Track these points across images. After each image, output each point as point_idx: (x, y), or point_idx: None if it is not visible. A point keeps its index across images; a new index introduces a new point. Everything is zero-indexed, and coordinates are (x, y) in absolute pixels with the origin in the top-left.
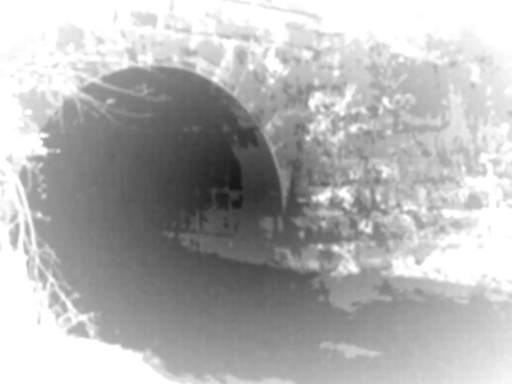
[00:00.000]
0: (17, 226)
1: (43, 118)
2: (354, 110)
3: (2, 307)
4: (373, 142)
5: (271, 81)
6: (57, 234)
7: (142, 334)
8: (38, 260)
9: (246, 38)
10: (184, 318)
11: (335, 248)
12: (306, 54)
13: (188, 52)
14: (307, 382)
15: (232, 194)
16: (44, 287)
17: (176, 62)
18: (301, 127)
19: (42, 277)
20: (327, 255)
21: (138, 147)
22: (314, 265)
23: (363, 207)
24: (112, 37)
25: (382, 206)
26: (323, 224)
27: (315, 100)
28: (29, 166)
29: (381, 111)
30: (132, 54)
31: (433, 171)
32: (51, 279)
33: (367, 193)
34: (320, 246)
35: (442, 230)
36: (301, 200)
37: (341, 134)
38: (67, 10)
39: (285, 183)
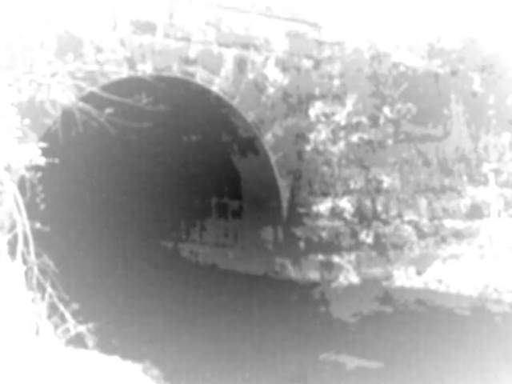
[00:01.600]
0: (15, 236)
1: (42, 128)
2: (354, 120)
3: (1, 318)
4: (374, 152)
5: (271, 90)
6: (55, 244)
7: (141, 345)
8: (36, 270)
9: (245, 46)
10: (184, 328)
11: (336, 258)
12: (307, 63)
13: (187, 61)
14: None
15: (232, 203)
16: (42, 298)
17: (175, 70)
18: (301, 137)
19: (41, 287)
20: (328, 266)
21: (137, 157)
22: (314, 275)
23: (364, 217)
24: (111, 46)
25: (383, 216)
26: (324, 234)
27: (315, 109)
28: (27, 175)
29: (382, 121)
30: (131, 63)
31: (434, 181)
32: (50, 290)
33: (368, 203)
34: (320, 257)
35: (444, 240)
36: (301, 210)
37: (341, 144)
38: (66, 18)
39: (285, 193)
